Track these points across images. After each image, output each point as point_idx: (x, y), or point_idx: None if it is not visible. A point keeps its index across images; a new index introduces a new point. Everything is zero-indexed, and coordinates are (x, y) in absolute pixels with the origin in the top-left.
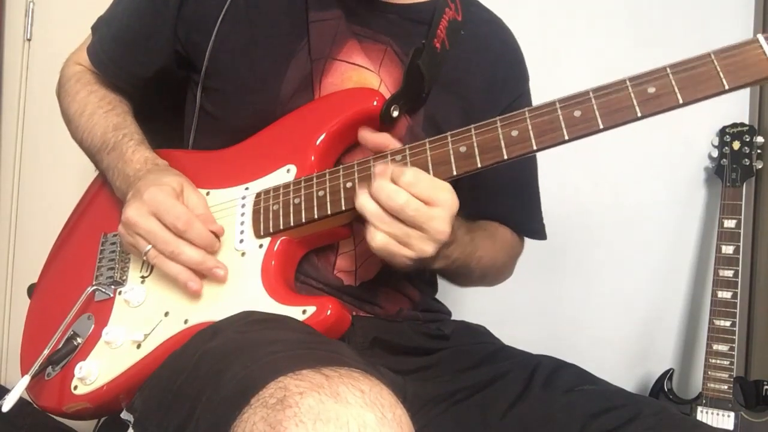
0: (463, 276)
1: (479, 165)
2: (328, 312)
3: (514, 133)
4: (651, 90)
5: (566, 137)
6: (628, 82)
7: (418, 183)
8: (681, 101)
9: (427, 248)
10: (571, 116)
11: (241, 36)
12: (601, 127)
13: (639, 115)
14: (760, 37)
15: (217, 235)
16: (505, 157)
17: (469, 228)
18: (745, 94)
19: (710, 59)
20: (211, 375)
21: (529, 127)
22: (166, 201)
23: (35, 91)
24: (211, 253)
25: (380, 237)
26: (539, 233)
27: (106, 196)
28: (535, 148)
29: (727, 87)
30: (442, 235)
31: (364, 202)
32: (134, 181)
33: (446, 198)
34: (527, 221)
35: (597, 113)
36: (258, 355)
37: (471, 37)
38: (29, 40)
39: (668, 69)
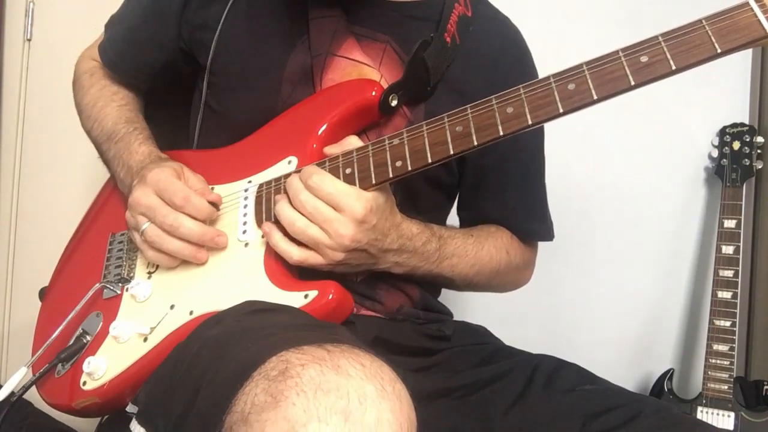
0: (443, 283)
1: (475, 143)
2: (330, 296)
3: (510, 109)
4: (644, 59)
5: (561, 110)
6: (620, 53)
7: (321, 187)
8: (674, 68)
9: (335, 255)
10: (565, 89)
11: (243, 33)
12: (595, 98)
13: (632, 83)
14: (751, 0)
15: (216, 205)
16: (501, 133)
17: (440, 236)
18: (745, 94)
19: (701, 25)
20: (211, 359)
21: (524, 103)
22: (165, 179)
23: (35, 91)
24: (211, 223)
25: (284, 243)
26: (543, 234)
27: (114, 200)
28: (530, 123)
29: (719, 50)
30: (344, 239)
31: (281, 207)
32: (137, 172)
33: (349, 203)
34: (531, 222)
35: (590, 84)
36: (258, 337)
37: (477, 34)
38: (29, 40)
39: (660, 37)
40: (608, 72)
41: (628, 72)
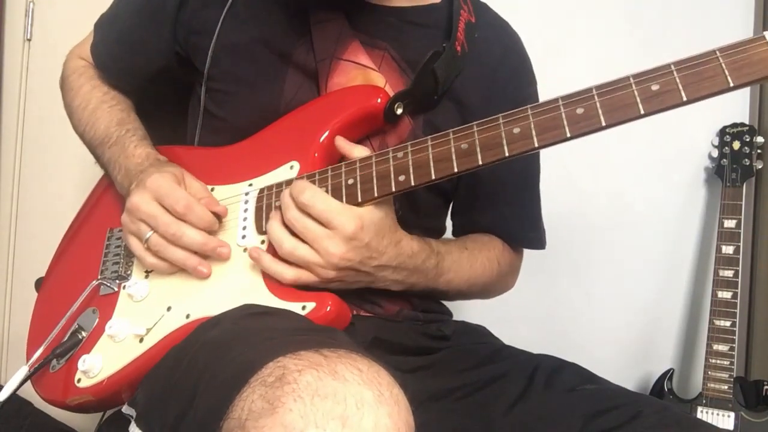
0: (438, 295)
1: (480, 162)
2: (328, 308)
3: (516, 130)
4: (655, 87)
5: (568, 135)
6: (631, 80)
7: (313, 204)
8: (685, 99)
9: (326, 273)
10: (573, 114)
11: (241, 37)
12: (604, 124)
13: (642, 112)
14: (767, 34)
15: (219, 216)
16: (507, 154)
17: (438, 252)
18: (745, 94)
19: (715, 56)
20: (209, 362)
21: (532, 125)
22: (166, 185)
23: (35, 91)
24: (212, 233)
25: (286, 269)
26: (535, 243)
27: (113, 193)
28: (536, 145)
29: (732, 85)
30: (333, 258)
31: (271, 227)
32: (136, 175)
33: (341, 221)
34: (523, 230)
35: (600, 111)
36: (255, 341)
37: (481, 41)
38: (29, 40)
39: (672, 66)
40: (618, 99)
41: (638, 100)
